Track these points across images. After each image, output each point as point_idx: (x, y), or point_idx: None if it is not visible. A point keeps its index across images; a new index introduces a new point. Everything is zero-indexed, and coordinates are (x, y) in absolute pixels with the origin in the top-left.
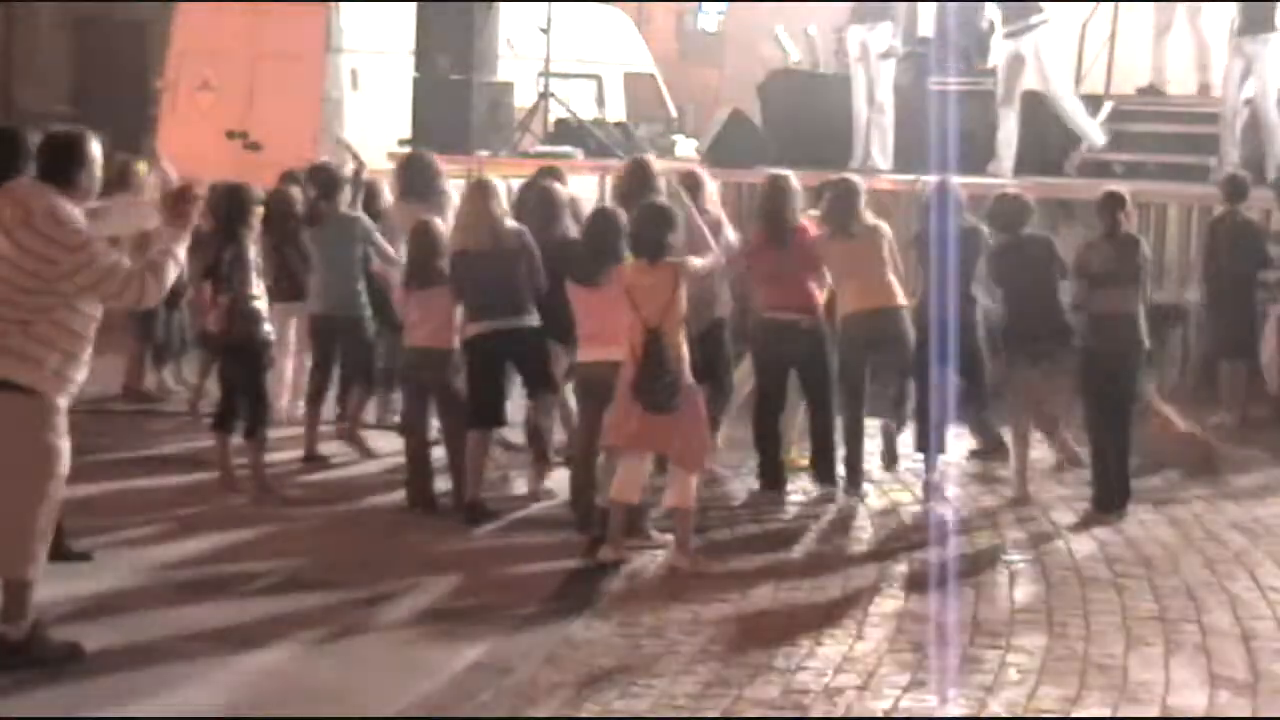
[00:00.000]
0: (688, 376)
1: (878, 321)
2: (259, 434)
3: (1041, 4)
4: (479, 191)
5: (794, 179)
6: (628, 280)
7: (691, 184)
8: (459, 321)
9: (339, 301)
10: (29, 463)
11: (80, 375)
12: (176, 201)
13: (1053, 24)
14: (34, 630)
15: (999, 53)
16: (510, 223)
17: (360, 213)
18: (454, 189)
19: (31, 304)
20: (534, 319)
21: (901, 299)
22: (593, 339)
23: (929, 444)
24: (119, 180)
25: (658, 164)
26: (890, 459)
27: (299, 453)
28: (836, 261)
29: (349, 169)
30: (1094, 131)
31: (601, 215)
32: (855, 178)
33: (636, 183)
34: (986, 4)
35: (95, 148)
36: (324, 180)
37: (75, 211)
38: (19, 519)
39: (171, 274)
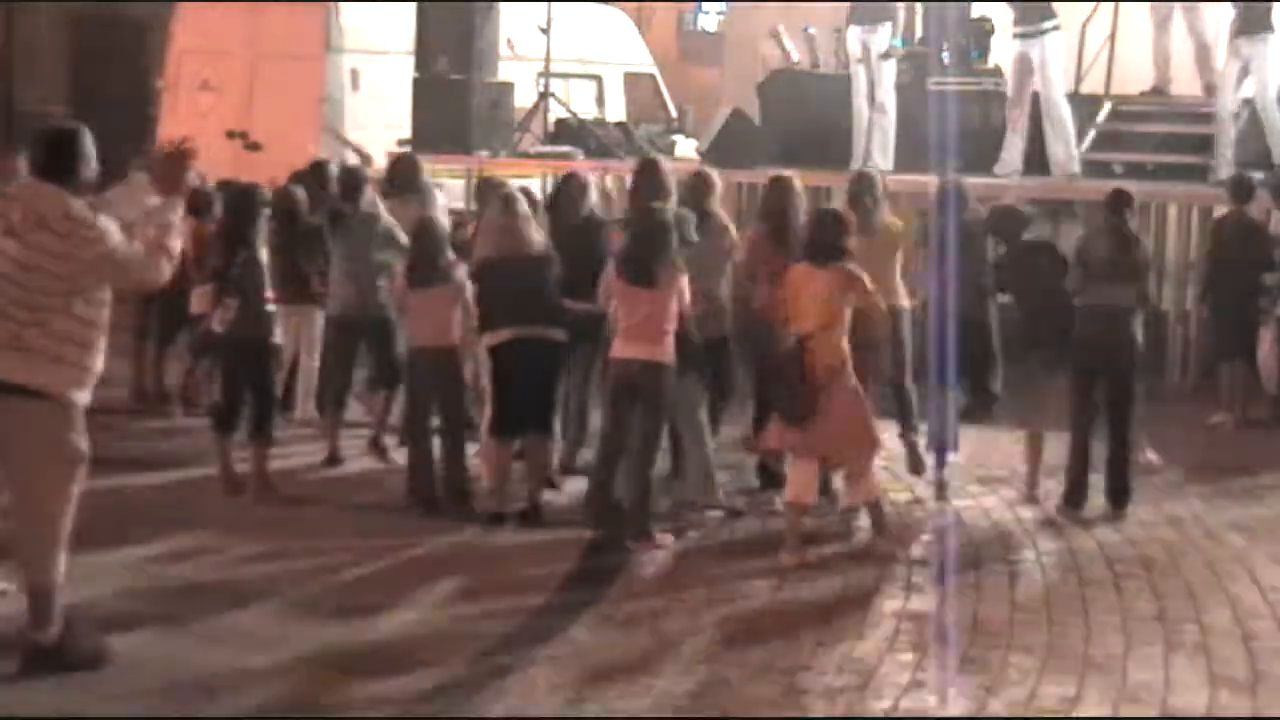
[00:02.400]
0: (847, 381)
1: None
2: (265, 434)
3: (1054, 7)
4: (507, 202)
5: (797, 180)
6: (794, 284)
7: (707, 186)
8: (473, 327)
9: (362, 302)
10: (55, 468)
11: (100, 363)
12: (169, 165)
13: (1062, 31)
14: (64, 633)
15: (1009, 53)
16: (536, 231)
17: (381, 211)
18: (438, 187)
19: (48, 303)
20: (560, 332)
21: (904, 300)
22: (630, 335)
23: (935, 443)
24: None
25: (668, 164)
26: (915, 464)
27: (307, 452)
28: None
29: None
30: (1070, 158)
31: (652, 214)
32: (875, 174)
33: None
34: (986, 4)
35: (90, 141)
36: (348, 180)
37: (84, 207)
38: (48, 525)
39: (176, 245)
